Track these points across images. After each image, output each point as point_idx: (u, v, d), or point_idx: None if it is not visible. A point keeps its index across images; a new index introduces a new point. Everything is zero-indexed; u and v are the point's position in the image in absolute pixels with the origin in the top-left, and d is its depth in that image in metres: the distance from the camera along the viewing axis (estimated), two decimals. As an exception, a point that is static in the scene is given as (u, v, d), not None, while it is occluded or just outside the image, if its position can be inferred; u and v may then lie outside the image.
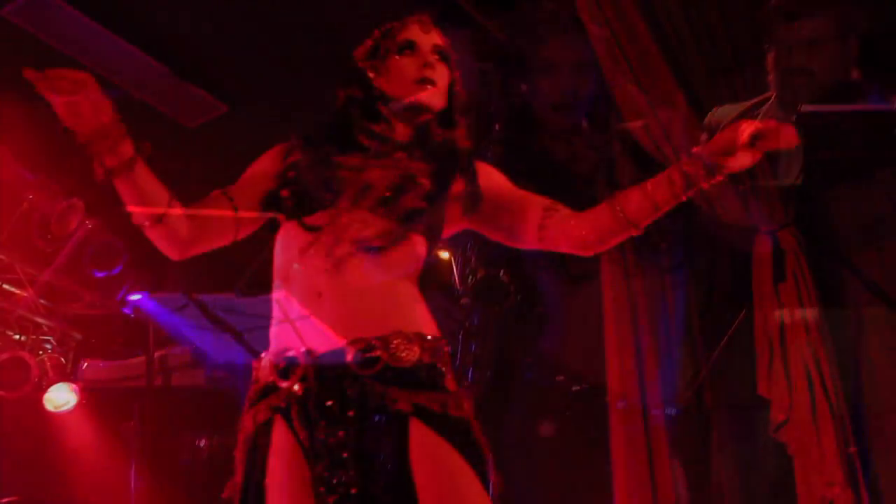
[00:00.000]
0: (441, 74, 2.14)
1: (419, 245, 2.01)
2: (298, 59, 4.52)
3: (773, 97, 3.73)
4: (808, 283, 3.72)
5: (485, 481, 1.85)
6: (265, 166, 2.14)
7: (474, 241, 4.60)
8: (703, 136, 3.55)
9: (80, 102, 1.73)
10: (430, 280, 2.26)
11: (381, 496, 1.83)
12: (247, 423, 1.95)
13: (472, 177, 2.12)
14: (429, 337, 1.96)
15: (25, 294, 5.31)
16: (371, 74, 2.14)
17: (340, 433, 1.85)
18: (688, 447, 4.14)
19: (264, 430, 1.91)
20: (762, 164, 3.74)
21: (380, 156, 2.09)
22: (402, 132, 2.14)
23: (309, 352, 1.91)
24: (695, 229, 4.32)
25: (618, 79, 3.86)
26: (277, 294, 2.04)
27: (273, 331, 2.02)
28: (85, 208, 5.06)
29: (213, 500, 2.10)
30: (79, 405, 5.40)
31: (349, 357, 1.88)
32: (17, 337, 5.36)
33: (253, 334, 2.60)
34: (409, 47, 2.13)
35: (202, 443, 5.69)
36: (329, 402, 1.87)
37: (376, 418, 1.85)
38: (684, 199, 1.95)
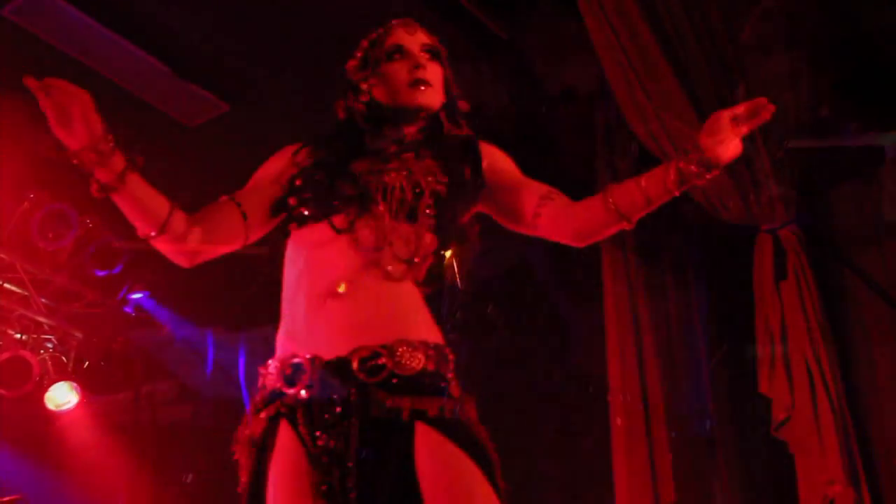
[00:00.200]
0: (434, 72, 2.14)
1: (431, 246, 2.01)
2: (298, 59, 4.52)
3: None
4: (809, 282, 3.72)
5: (493, 483, 1.84)
6: (273, 170, 2.14)
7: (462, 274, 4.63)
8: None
9: (72, 115, 1.73)
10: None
11: (383, 503, 1.82)
12: (253, 427, 1.95)
13: (477, 166, 2.12)
14: (433, 344, 1.96)
15: (26, 293, 5.31)
16: (365, 87, 2.14)
17: (345, 439, 1.84)
18: (688, 447, 4.14)
19: (270, 433, 1.91)
20: (763, 163, 3.76)
21: (390, 158, 2.08)
22: (408, 133, 2.14)
23: (315, 358, 1.91)
24: (696, 228, 4.32)
25: (620, 81, 3.85)
26: (285, 300, 2.04)
27: (280, 337, 2.02)
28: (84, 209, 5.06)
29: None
30: (79, 404, 5.41)
31: (355, 364, 1.88)
32: (19, 336, 5.36)
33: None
34: (398, 51, 2.14)
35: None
36: (334, 409, 1.86)
37: (381, 425, 1.85)
38: (677, 193, 1.95)
